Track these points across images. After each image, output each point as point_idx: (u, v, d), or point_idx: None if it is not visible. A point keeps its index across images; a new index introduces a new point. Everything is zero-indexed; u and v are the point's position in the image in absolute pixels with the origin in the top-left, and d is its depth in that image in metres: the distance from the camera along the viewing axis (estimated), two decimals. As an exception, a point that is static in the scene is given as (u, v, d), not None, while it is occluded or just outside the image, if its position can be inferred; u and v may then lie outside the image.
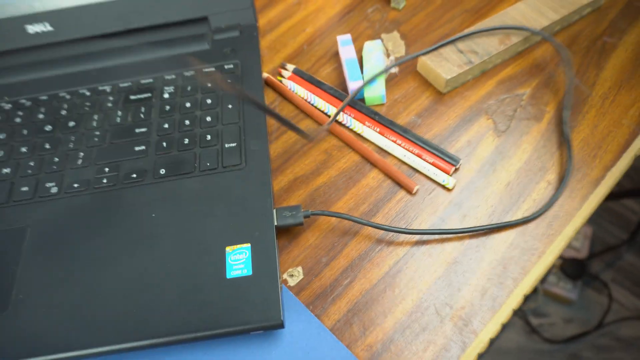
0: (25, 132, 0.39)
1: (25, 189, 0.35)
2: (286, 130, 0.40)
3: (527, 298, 1.00)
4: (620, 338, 0.95)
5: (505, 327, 0.98)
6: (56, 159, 0.37)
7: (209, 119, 0.38)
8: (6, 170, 0.37)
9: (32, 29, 0.42)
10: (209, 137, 0.37)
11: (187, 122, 0.38)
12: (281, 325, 0.28)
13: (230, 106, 0.38)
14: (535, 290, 1.01)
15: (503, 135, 0.38)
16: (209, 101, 0.39)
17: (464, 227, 0.33)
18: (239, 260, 0.30)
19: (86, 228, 0.33)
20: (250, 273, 0.30)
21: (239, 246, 0.31)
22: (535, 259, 0.32)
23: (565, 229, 0.33)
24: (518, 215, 0.34)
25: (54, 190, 0.35)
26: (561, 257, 1.01)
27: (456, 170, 0.36)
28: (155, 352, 0.30)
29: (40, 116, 0.40)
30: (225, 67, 0.41)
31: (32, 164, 0.37)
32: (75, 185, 0.35)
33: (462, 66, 0.40)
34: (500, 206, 0.34)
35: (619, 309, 0.98)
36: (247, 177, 0.34)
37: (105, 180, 0.35)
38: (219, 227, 0.32)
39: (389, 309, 0.31)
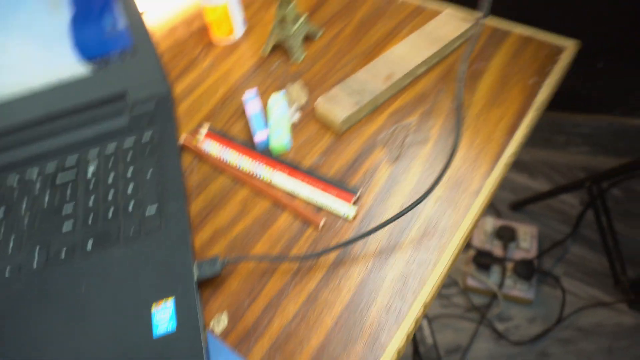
0: (-43, 228, 0.41)
1: (-40, 283, 0.37)
2: (206, 186, 0.44)
3: (489, 305, 1.05)
4: (581, 328, 1.00)
5: (473, 337, 1.02)
6: (-11, 250, 0.39)
7: (130, 188, 0.41)
8: (-59, 268, 0.39)
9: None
10: (131, 206, 0.40)
11: (110, 194, 0.41)
12: (207, 373, 0.31)
13: (150, 173, 0.42)
14: (495, 296, 1.07)
15: (395, 162, 0.43)
16: (130, 172, 0.42)
17: (361, 233, 0.37)
18: (163, 317, 0.33)
19: (19, 312, 0.35)
20: (174, 329, 0.33)
21: (163, 301, 0.34)
22: (430, 269, 0.37)
23: (453, 238, 0.38)
24: (413, 232, 0.39)
25: (-12, 279, 0.37)
26: (513, 260, 1.07)
27: (358, 199, 0.41)
28: (96, 415, 0.32)
29: (-29, 211, 0.42)
30: (143, 140, 0.45)
31: (-35, 258, 0.39)
32: (7, 271, 0.37)
33: (352, 106, 0.46)
34: (396, 227, 0.39)
35: (574, 300, 1.04)
36: (167, 238, 0.38)
37: (35, 264, 0.38)
38: (144, 289, 0.35)
39: (306, 339, 0.34)
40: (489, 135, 0.44)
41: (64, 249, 0.38)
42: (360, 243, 0.38)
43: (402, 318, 0.34)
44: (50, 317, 0.34)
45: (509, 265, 1.07)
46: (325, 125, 0.47)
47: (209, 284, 0.38)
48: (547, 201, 1.18)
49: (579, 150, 1.23)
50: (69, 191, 0.42)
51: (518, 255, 1.09)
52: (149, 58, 0.48)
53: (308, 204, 0.41)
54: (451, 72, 0.50)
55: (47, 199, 0.42)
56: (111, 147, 0.45)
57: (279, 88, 0.51)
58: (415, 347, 0.99)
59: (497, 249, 1.10)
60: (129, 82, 0.49)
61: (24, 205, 0.42)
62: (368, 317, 0.35)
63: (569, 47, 0.49)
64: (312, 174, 0.42)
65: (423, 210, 0.40)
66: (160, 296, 0.34)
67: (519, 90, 0.47)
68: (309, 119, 0.48)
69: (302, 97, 0.50)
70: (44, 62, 0.46)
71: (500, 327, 1.02)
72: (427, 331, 1.02)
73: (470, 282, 1.08)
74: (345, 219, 0.40)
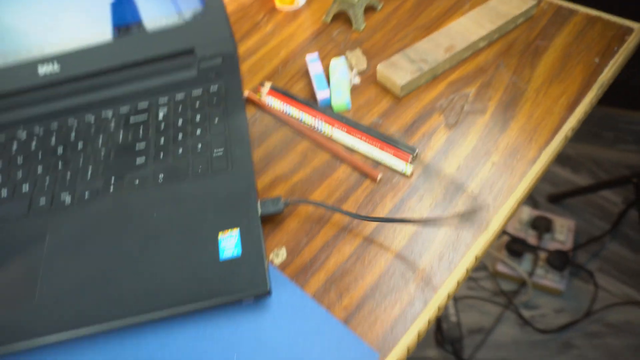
0: (40, 155, 0.45)
1: (43, 202, 0.41)
2: (268, 136, 0.46)
3: (517, 291, 1.04)
4: (609, 324, 0.99)
5: (498, 321, 1.02)
6: (69, 175, 0.42)
7: (198, 131, 0.44)
8: (25, 189, 0.42)
9: (43, 69, 0.49)
10: (199, 146, 0.43)
11: (180, 135, 0.44)
12: (268, 292, 0.33)
13: (217, 120, 0.45)
14: (524, 284, 1.06)
15: (453, 127, 0.44)
16: (198, 117, 0.45)
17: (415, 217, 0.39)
18: (229, 244, 0.35)
19: (98, 228, 0.38)
20: (239, 254, 0.35)
21: (229, 231, 0.36)
22: (483, 227, 0.38)
23: (508, 200, 0.39)
24: (468, 192, 0.40)
25: (68, 200, 0.40)
26: (546, 250, 1.06)
27: (414, 159, 0.42)
28: (166, 324, 0.34)
29: (53, 141, 0.46)
30: (211, 90, 0.48)
31: (47, 181, 0.42)
32: (87, 195, 0.41)
33: (414, 73, 0.47)
34: (451, 186, 0.40)
35: (606, 296, 1.02)
36: (234, 177, 0.40)
37: (112, 189, 0.41)
38: (212, 219, 0.37)
39: (360, 277, 0.36)
40: (548, 109, 0.45)
41: (138, 179, 0.41)
42: (415, 197, 0.40)
43: (454, 266, 0.36)
44: (124, 237, 0.37)
45: (542, 255, 1.06)
46: (384, 90, 0.49)
47: (269, 221, 0.40)
48: (588, 197, 1.16)
49: (627, 148, 1.21)
50: (141, 131, 0.45)
51: (552, 246, 1.08)
52: (218, 17, 0.51)
53: (366, 159, 0.43)
54: (512, 48, 0.50)
55: (121, 136, 0.45)
56: (180, 95, 0.48)
57: (339, 54, 0.53)
58: (439, 324, 0.99)
59: (531, 238, 1.09)
60: (198, 38, 0.51)
61: (100, 140, 0.45)
62: (421, 262, 0.36)
63: (638, 29, 0.49)
64: (371, 132, 0.44)
65: (479, 172, 0.41)
66: (227, 226, 0.36)
67: (582, 68, 0.47)
68: (368, 83, 0.49)
69: (361, 63, 0.51)
70: (120, 16, 0.49)
71: (526, 314, 1.02)
72: (452, 310, 1.03)
73: (501, 267, 1.07)
74: (403, 175, 0.41)
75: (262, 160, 0.44)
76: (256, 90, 0.51)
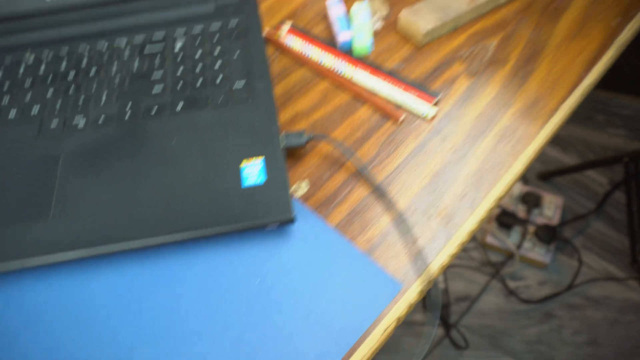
0: (49, 79, 0.43)
1: (54, 125, 0.39)
2: (287, 75, 0.45)
3: (504, 263, 1.07)
4: (590, 297, 1.02)
5: (484, 290, 1.04)
6: (81, 99, 0.41)
7: (218, 65, 0.43)
8: (34, 112, 0.40)
9: (51, -9, 0.47)
10: (219, 79, 0.41)
11: (198, 67, 0.43)
12: (292, 220, 0.33)
13: (237, 54, 0.43)
14: (512, 256, 1.09)
15: (474, 76, 0.44)
16: (216, 51, 0.44)
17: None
18: (253, 171, 0.35)
19: (114, 152, 0.37)
20: (262, 182, 0.34)
21: (253, 159, 0.35)
22: (504, 170, 0.38)
23: (527, 148, 0.39)
24: (489, 138, 0.40)
25: (82, 124, 0.39)
26: (535, 224, 1.09)
27: (435, 104, 0.42)
28: (186, 248, 0.34)
29: (63, 66, 0.44)
30: (229, 25, 0.46)
31: (58, 105, 0.41)
32: (101, 119, 0.39)
33: (435, 22, 0.46)
34: (473, 131, 0.40)
35: (588, 272, 1.06)
36: (256, 108, 0.39)
37: (128, 115, 0.39)
38: (234, 147, 0.36)
39: (383, 211, 0.36)
40: (567, 65, 0.45)
41: (155, 107, 0.40)
42: (436, 139, 0.40)
43: (476, 205, 0.36)
44: (143, 160, 0.36)
45: (530, 229, 1.09)
46: (405, 37, 0.48)
47: (290, 155, 0.39)
48: (575, 176, 1.19)
49: (617, 132, 1.24)
50: (157, 61, 0.44)
51: (540, 221, 1.10)
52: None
53: (388, 101, 0.43)
54: (532, 5, 0.50)
55: (136, 65, 0.43)
56: (198, 28, 0.46)
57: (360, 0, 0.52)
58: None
59: (520, 212, 1.12)
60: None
61: (114, 68, 0.43)
62: (442, 201, 0.36)
63: (655, -8, 0.50)
64: (393, 75, 0.44)
65: (501, 119, 0.41)
66: (250, 154, 0.36)
67: (601, 28, 0.48)
68: (389, 29, 0.49)
69: (383, 9, 0.51)
70: (142, -63, 0.47)
71: (511, 284, 1.05)
72: (440, 277, 1.05)
73: (490, 239, 1.10)
74: (424, 118, 0.41)
75: (281, 97, 0.43)
76: (275, 29, 0.49)
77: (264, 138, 0.37)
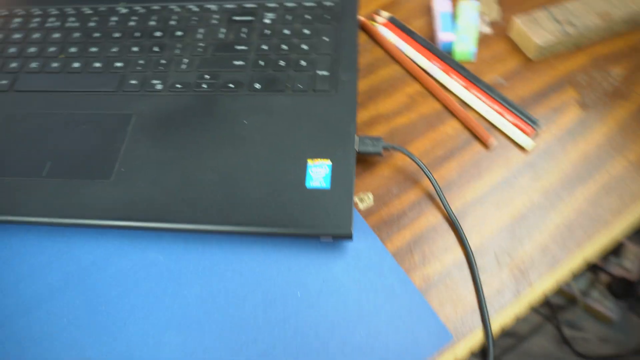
0: (138, 34, 0.42)
1: (134, 82, 0.39)
2: (375, 70, 0.41)
3: (564, 307, 0.98)
4: (655, 365, 0.92)
5: (535, 330, 0.97)
6: (163, 61, 0.40)
7: (305, 47, 0.40)
8: (118, 64, 0.40)
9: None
10: (303, 62, 0.39)
11: (284, 46, 0.40)
12: (350, 237, 0.30)
13: (326, 39, 0.40)
14: (575, 302, 1.00)
15: (588, 108, 0.38)
16: (306, 31, 0.41)
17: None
18: (319, 173, 0.32)
19: (186, 121, 0.36)
20: (328, 187, 0.32)
21: (320, 161, 0.33)
22: (602, 228, 0.33)
23: (636, 205, 0.34)
24: (591, 186, 0.34)
25: (159, 87, 0.38)
26: (609, 274, 0.98)
27: (535, 134, 0.37)
28: (234, 240, 0.33)
29: (152, 23, 0.43)
30: (325, 3, 0.43)
31: (141, 62, 0.40)
32: (178, 85, 0.38)
33: (556, 35, 0.40)
34: (573, 174, 0.35)
35: (659, 338, 0.95)
36: (335, 103, 0.36)
37: (204, 85, 0.38)
38: (304, 141, 0.34)
39: (450, 246, 0.32)
40: None
41: (232, 82, 0.38)
42: (528, 175, 0.35)
43: (557, 264, 0.31)
44: (211, 136, 0.35)
45: (603, 278, 0.99)
46: (516, 48, 0.42)
47: (361, 161, 0.36)
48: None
49: None
50: (244, 32, 0.42)
51: (617, 272, 1.00)
52: None
53: (481, 119, 0.38)
54: (681, 33, 0.42)
55: (222, 33, 0.42)
56: (291, 3, 0.44)
57: None
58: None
59: None
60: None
61: (200, 33, 0.42)
62: (520, 250, 0.32)
63: None
64: (492, 90, 0.38)
65: (611, 167, 0.35)
66: (319, 154, 0.33)
67: None
68: (498, 36, 0.43)
69: (495, 12, 0.45)
70: None
71: (568, 332, 0.96)
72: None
73: None
74: (519, 148, 0.36)
75: (364, 94, 0.40)
76: (370, 18, 0.45)
77: (338, 138, 0.34)
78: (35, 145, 0.36)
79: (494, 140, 0.36)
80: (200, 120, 0.36)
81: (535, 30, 0.41)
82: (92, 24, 0.44)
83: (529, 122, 0.37)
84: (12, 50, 0.42)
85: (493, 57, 0.42)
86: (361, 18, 0.44)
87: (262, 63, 0.39)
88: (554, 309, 0.99)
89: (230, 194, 0.32)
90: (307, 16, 0.42)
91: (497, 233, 0.33)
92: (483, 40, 0.43)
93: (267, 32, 0.41)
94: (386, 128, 0.38)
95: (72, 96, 0.39)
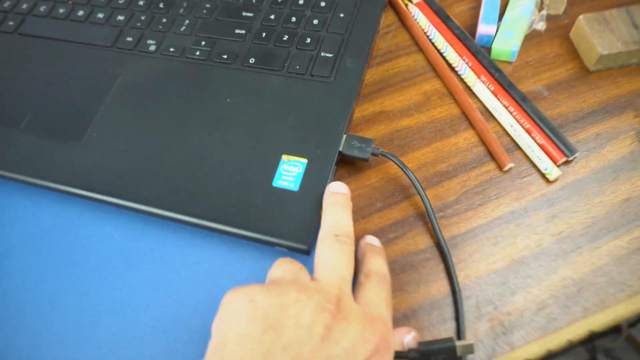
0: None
1: (129, 39, 0.36)
2: (392, 59, 0.36)
3: (602, 334, 0.89)
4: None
5: (566, 353, 0.89)
6: (164, 20, 0.37)
7: (315, 21, 0.35)
8: (120, 17, 0.38)
9: None
10: (308, 40, 0.34)
11: (293, 18, 0.35)
12: (307, 252, 0.27)
13: (342, 15, 0.35)
14: (618, 331, 0.89)
15: (646, 142, 0.31)
16: (322, 4, 0.36)
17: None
18: (290, 172, 0.29)
19: (168, 91, 0.33)
20: (296, 189, 0.28)
21: (295, 158, 0.29)
22: (622, 295, 0.26)
23: (677, 276, 0.27)
24: (621, 242, 0.28)
25: (152, 48, 0.36)
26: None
27: (567, 162, 0.30)
28: (190, 230, 0.30)
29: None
30: (353, -27, 0.37)
31: (143, 18, 0.37)
32: (172, 49, 0.35)
33: (629, 44, 0.32)
34: (604, 222, 0.28)
35: None
36: (331, 93, 0.32)
37: (198, 53, 0.35)
38: (284, 132, 0.30)
39: (426, 280, 0.28)
40: None
41: (227, 53, 0.34)
42: (543, 213, 0.29)
43: (552, 329, 0.26)
44: (190, 112, 0.32)
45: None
46: (572, 52, 0.35)
47: (347, 163, 0.32)
48: None
49: None
50: (256, -3, 0.37)
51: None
52: None
53: (503, 134, 0.32)
54: None
55: (232, -7, 0.38)
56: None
57: None
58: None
59: None
60: None
61: (210, -9, 0.38)
62: (509, 302, 0.27)
63: None
64: (525, 102, 0.32)
65: (654, 219, 0.28)
66: (295, 151, 0.29)
67: None
68: (554, 35, 0.35)
69: (558, 5, 0.37)
70: None
71: (600, 358, 0.88)
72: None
73: None
74: (542, 176, 0.30)
75: (374, 84, 0.35)
76: (406, -7, 0.39)
77: (323, 134, 0.30)
78: (21, 95, 0.35)
79: (510, 163, 0.30)
80: (184, 92, 0.33)
81: (601, 34, 0.33)
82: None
83: (563, 147, 0.30)
84: (29, -9, 0.41)
85: (540, 61, 0.34)
86: None
87: (264, 35, 0.35)
88: (592, 333, 0.90)
89: (192, 180, 0.29)
90: (328, -15, 0.37)
91: (486, 275, 0.27)
92: (534, 37, 0.35)
93: (280, -1, 0.37)
94: (386, 129, 0.33)
95: (69, 47, 0.37)
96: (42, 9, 0.40)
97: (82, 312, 0.28)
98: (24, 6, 0.40)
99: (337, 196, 0.27)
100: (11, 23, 0.39)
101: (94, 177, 0.30)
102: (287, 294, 0.21)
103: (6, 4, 0.41)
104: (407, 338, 0.24)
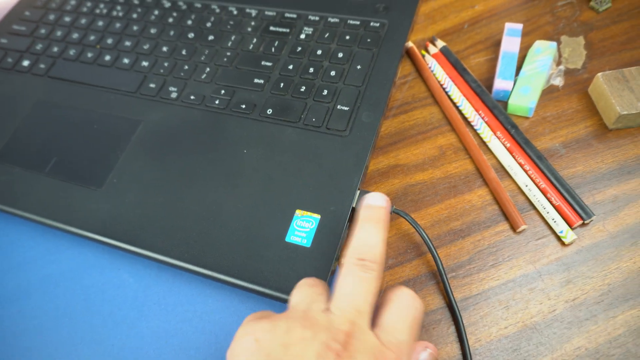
0: (172, 33, 0.41)
1: (152, 85, 0.38)
2: (407, 110, 0.36)
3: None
4: None
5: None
6: (186, 67, 0.38)
7: (333, 73, 0.36)
8: (145, 63, 0.39)
9: None
10: (325, 92, 0.35)
11: (311, 69, 0.36)
12: (317, 309, 0.27)
13: (359, 67, 0.36)
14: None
15: (666, 206, 0.30)
16: (340, 55, 0.37)
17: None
18: (303, 228, 0.29)
19: (186, 140, 0.34)
20: (308, 245, 0.28)
21: (309, 214, 0.29)
22: (637, 369, 0.26)
23: (697, 351, 0.26)
24: (631, 313, 0.27)
25: (174, 95, 0.37)
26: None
27: (583, 224, 0.30)
28: (203, 281, 0.31)
29: (189, 22, 0.41)
30: (371, 24, 0.38)
31: (166, 64, 0.39)
32: (192, 97, 0.36)
33: (649, 105, 0.32)
34: (620, 289, 0.28)
35: None
36: (346, 147, 0.32)
37: (217, 102, 0.36)
38: (299, 186, 0.31)
39: (436, 343, 0.27)
40: None
41: (245, 103, 0.35)
42: (558, 278, 0.28)
43: (564, 401, 0.25)
44: (207, 162, 0.33)
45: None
46: (591, 109, 0.34)
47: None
48: None
49: None
50: (276, 44, 0.38)
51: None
52: None
53: (518, 192, 0.32)
54: None
55: (253, 42, 0.39)
56: (334, 18, 0.39)
57: (550, 37, 0.38)
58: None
59: None
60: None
61: (231, 40, 0.39)
62: (521, 370, 0.26)
63: None
64: (541, 160, 0.32)
65: (673, 290, 0.27)
66: (310, 206, 0.30)
67: None
68: (571, 91, 0.35)
69: (576, 59, 0.37)
70: None
71: None
72: None
73: None
74: (556, 238, 0.30)
75: (390, 137, 0.35)
76: (423, 45, 0.40)
77: (337, 190, 0.30)
78: (48, 138, 0.36)
79: (524, 225, 0.30)
80: (202, 141, 0.34)
81: (621, 93, 0.33)
82: (134, 16, 0.43)
83: (579, 209, 0.30)
84: (59, 33, 0.43)
85: (558, 117, 0.34)
86: (411, 44, 0.39)
87: (282, 85, 0.36)
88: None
89: (207, 232, 0.30)
90: (347, 36, 0.38)
91: (497, 340, 0.27)
92: (552, 92, 0.35)
93: (299, 48, 0.38)
94: (401, 183, 0.33)
95: (96, 91, 0.39)
96: (71, 52, 0.41)
97: None
98: (55, 49, 0.42)
99: (371, 210, 0.25)
100: (42, 66, 0.41)
101: (113, 224, 0.31)
102: (293, 331, 0.21)
103: (38, 47, 0.42)
104: (423, 355, 0.23)
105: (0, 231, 0.35)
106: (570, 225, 0.29)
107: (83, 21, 0.44)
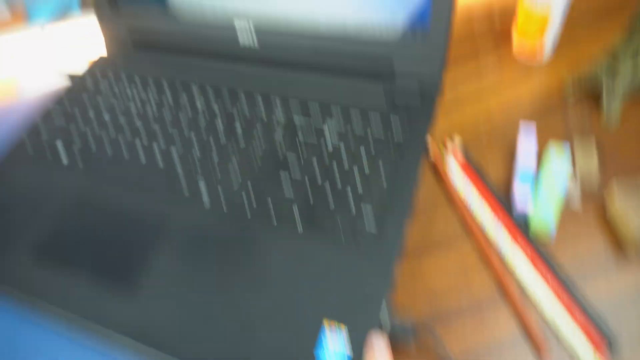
0: (201, 129, 0.43)
1: (184, 188, 0.39)
2: (429, 217, 0.38)
3: None
4: None
5: None
6: (220, 171, 0.40)
7: (359, 182, 0.37)
8: (177, 170, 0.41)
9: (242, 39, 0.47)
10: (353, 208, 0.36)
11: (338, 182, 0.38)
12: None
13: (385, 175, 0.37)
14: None
15: (687, 337, 0.31)
16: (365, 165, 0.38)
17: None
18: (334, 341, 0.30)
19: (218, 251, 0.35)
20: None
21: (335, 324, 0.30)
22: None
23: None
24: None
25: (207, 202, 0.38)
26: None
27: (610, 352, 0.30)
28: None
29: (220, 125, 0.43)
30: (394, 136, 0.40)
31: (199, 170, 0.41)
32: (223, 202, 0.38)
33: (669, 231, 0.33)
34: None
35: None
36: (373, 260, 0.33)
37: (248, 210, 0.37)
38: (326, 300, 0.31)
39: None
40: None
41: (278, 215, 0.37)
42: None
43: None
44: (236, 273, 0.34)
45: None
46: (609, 227, 0.36)
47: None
48: None
49: None
50: (302, 150, 0.40)
51: None
52: (436, 50, 0.42)
53: (540, 314, 0.32)
54: None
55: (279, 139, 0.41)
56: (359, 126, 0.41)
57: (564, 135, 0.40)
58: None
59: None
60: (405, 65, 0.43)
61: (257, 133, 0.42)
62: None
63: None
64: (564, 284, 0.33)
65: None
66: (335, 317, 0.30)
67: None
68: (591, 212, 0.37)
69: (591, 163, 0.38)
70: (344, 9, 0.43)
71: None
72: None
73: None
74: (582, 368, 0.30)
75: (413, 250, 0.36)
76: (442, 143, 0.41)
77: (362, 312, 0.31)
78: (83, 238, 0.38)
79: (549, 351, 0.31)
80: (232, 252, 0.35)
81: (634, 215, 0.34)
82: (167, 113, 0.45)
83: (603, 334, 0.31)
84: (95, 130, 0.45)
85: (575, 238, 0.36)
86: (429, 139, 0.40)
87: (311, 200, 0.37)
88: None
89: (238, 342, 0.30)
90: (371, 147, 0.40)
91: None
92: (569, 214, 0.37)
93: (326, 160, 0.39)
94: (425, 300, 0.34)
95: (128, 191, 0.40)
96: (108, 152, 0.43)
97: None
98: (93, 147, 0.44)
99: None
100: (81, 166, 0.43)
101: (147, 330, 0.32)
102: None
103: (77, 144, 0.44)
104: None
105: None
106: (597, 352, 0.30)
107: (122, 119, 0.46)
